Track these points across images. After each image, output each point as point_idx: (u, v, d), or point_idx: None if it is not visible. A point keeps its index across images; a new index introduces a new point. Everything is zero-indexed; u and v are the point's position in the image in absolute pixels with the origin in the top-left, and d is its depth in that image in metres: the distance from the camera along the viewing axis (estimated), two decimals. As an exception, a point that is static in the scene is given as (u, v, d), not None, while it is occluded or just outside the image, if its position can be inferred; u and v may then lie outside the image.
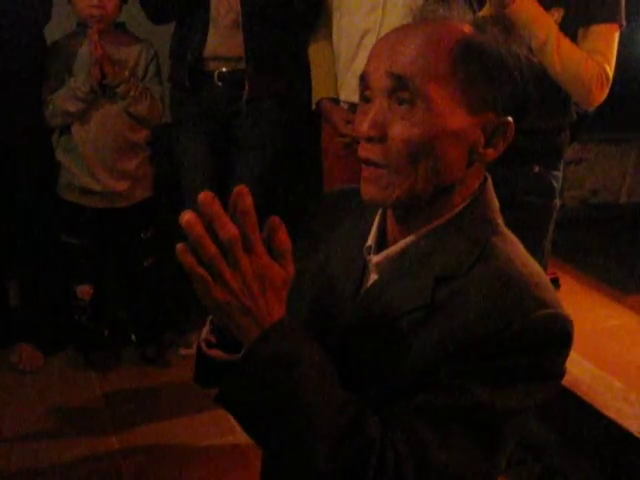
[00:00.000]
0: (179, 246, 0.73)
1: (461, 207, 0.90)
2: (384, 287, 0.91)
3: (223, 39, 2.11)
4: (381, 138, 0.85)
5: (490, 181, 0.95)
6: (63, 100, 2.14)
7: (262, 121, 2.17)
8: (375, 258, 0.93)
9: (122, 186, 2.29)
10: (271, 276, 0.76)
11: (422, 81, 0.83)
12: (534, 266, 0.87)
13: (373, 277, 0.95)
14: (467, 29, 0.88)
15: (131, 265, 2.45)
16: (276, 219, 0.78)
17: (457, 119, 0.85)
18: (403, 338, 0.86)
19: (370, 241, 0.96)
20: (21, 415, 2.22)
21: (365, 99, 0.88)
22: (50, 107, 2.16)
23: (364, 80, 0.88)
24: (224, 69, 2.13)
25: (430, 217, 0.90)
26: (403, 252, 0.91)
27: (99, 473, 2.01)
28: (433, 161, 0.85)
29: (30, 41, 2.13)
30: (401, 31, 0.87)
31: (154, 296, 2.51)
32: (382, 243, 0.96)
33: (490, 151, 0.89)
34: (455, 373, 0.80)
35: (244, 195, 0.74)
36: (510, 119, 0.88)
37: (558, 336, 0.81)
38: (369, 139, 0.86)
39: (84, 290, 2.40)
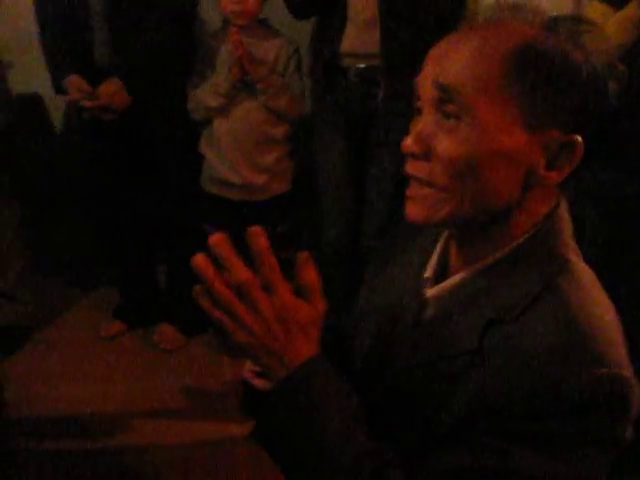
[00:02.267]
0: (196, 289, 0.71)
1: (523, 239, 0.79)
2: (437, 324, 0.83)
3: (360, 36, 2.06)
4: (426, 154, 0.78)
5: (564, 207, 0.82)
6: (205, 95, 2.21)
7: (397, 120, 2.10)
8: (430, 291, 0.86)
9: (260, 180, 2.32)
10: (295, 316, 0.73)
11: (470, 93, 0.74)
12: (605, 315, 0.75)
13: (429, 311, 0.87)
14: (531, 32, 0.76)
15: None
16: (304, 255, 0.75)
17: (511, 138, 0.75)
18: (447, 384, 0.78)
19: (429, 272, 0.88)
20: (153, 391, 2.34)
21: (417, 111, 0.81)
22: (193, 102, 2.25)
23: (415, 90, 0.81)
24: (361, 65, 2.09)
25: (490, 249, 0.81)
26: (458, 287, 0.82)
27: (217, 456, 2.08)
28: (480, 183, 0.76)
29: (178, 38, 2.21)
30: (456, 36, 0.78)
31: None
32: (444, 274, 0.87)
33: (553, 174, 0.77)
34: (495, 431, 0.71)
35: (258, 236, 0.71)
36: (579, 138, 0.76)
37: (614, 400, 0.69)
38: (413, 155, 0.78)
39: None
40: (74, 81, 2.14)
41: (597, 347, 0.70)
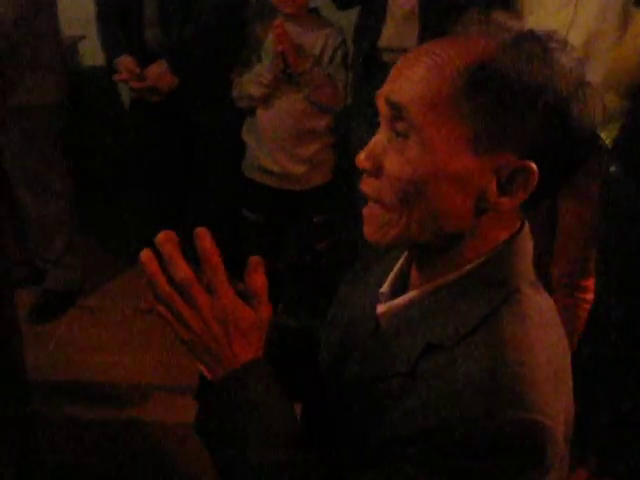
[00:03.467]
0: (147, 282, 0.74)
1: (474, 264, 0.77)
2: (383, 342, 0.83)
3: (398, 30, 2.04)
4: (376, 172, 0.76)
5: (525, 234, 0.80)
6: (248, 84, 2.23)
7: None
8: (380, 307, 0.85)
9: (299, 170, 2.34)
10: (235, 318, 0.74)
11: (418, 111, 0.72)
12: (539, 354, 0.72)
13: (381, 327, 0.86)
14: (489, 49, 0.73)
15: (302, 247, 2.52)
16: (255, 259, 0.76)
17: (458, 160, 0.72)
18: (380, 404, 0.78)
19: (384, 287, 0.87)
20: (187, 365, 2.35)
21: (378, 126, 0.80)
22: (237, 89, 2.27)
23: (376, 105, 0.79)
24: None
25: (443, 271, 0.79)
26: (407, 306, 0.81)
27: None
28: (427, 205, 0.74)
29: (228, 23, 2.24)
30: (415, 52, 0.76)
31: (322, 280, 2.55)
32: (403, 291, 0.85)
33: (505, 200, 0.74)
34: (410, 459, 0.70)
35: (203, 237, 0.73)
36: (532, 164, 0.72)
37: (528, 446, 0.67)
38: (364, 171, 0.77)
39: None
40: (125, 61, 2.21)
41: (519, 389, 0.68)
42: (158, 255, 0.74)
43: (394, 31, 2.06)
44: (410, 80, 0.74)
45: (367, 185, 0.78)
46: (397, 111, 0.74)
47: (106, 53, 2.28)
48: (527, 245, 0.80)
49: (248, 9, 2.28)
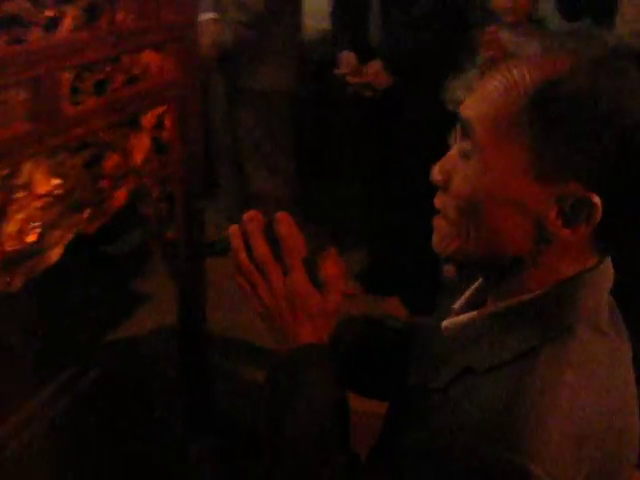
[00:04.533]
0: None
1: (534, 294, 0.74)
2: (439, 355, 0.82)
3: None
4: (445, 187, 0.76)
5: (601, 273, 0.74)
6: (458, 89, 2.19)
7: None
8: (445, 322, 0.84)
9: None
10: (303, 300, 0.79)
11: (482, 129, 0.71)
12: (565, 403, 0.66)
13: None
14: (563, 67, 0.69)
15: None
16: (333, 250, 0.82)
17: (517, 184, 0.70)
18: (418, 413, 0.79)
19: (457, 303, 0.86)
20: None
21: None
22: (449, 92, 2.25)
23: None
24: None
25: (504, 296, 0.77)
26: (465, 325, 0.81)
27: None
28: (484, 224, 0.73)
29: (449, 30, 2.22)
30: (497, 68, 0.74)
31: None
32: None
33: (566, 231, 0.70)
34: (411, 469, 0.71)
35: (281, 221, 0.79)
36: (596, 197, 0.67)
37: None
38: (436, 184, 0.77)
39: (449, 270, 2.50)
40: (346, 57, 2.31)
41: (521, 431, 0.64)
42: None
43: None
44: (480, 97, 0.73)
45: (437, 198, 0.78)
46: (465, 128, 0.73)
47: (333, 46, 2.40)
48: (600, 286, 0.75)
49: (471, 15, 2.25)
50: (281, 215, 0.80)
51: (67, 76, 1.09)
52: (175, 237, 1.58)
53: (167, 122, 1.44)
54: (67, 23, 1.07)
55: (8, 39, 0.98)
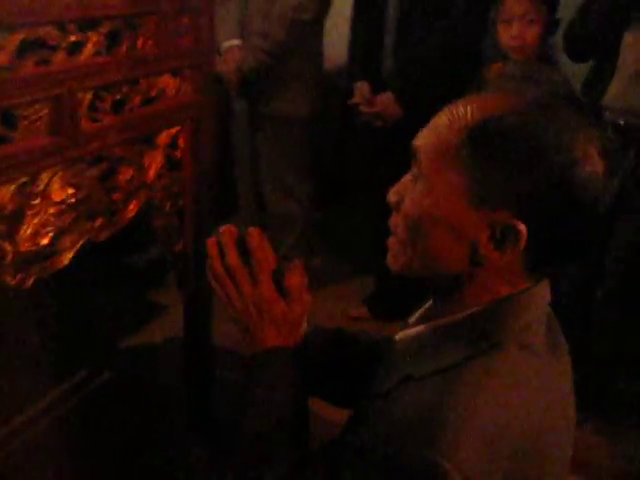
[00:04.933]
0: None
1: (470, 311, 0.81)
2: (388, 365, 0.89)
3: (623, 90, 1.94)
4: (397, 207, 0.84)
5: (532, 296, 0.80)
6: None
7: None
8: (398, 334, 0.92)
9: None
10: (269, 307, 0.88)
11: (426, 157, 0.79)
12: (485, 408, 0.72)
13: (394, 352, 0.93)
14: (508, 106, 0.76)
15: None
16: (297, 262, 0.92)
17: (453, 207, 0.77)
18: (360, 417, 0.86)
19: (412, 317, 0.94)
20: None
21: None
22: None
23: None
24: (620, 122, 1.95)
25: (446, 311, 0.84)
26: (412, 338, 0.88)
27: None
28: (426, 244, 0.81)
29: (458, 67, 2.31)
30: (452, 104, 0.82)
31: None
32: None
33: (495, 254, 0.77)
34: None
35: (252, 236, 0.90)
36: (521, 225, 0.74)
37: None
38: (390, 205, 0.86)
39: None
40: (360, 87, 2.41)
41: (438, 430, 0.70)
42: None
43: (619, 91, 1.97)
44: (429, 128, 0.81)
45: (391, 218, 0.86)
46: (415, 155, 0.81)
47: (348, 75, 2.50)
48: (532, 308, 0.81)
49: (484, 51, 2.33)
50: (252, 230, 0.90)
51: (86, 95, 1.19)
52: (184, 250, 1.68)
53: (181, 141, 1.54)
54: (89, 48, 1.18)
55: (35, 60, 1.09)
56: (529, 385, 0.76)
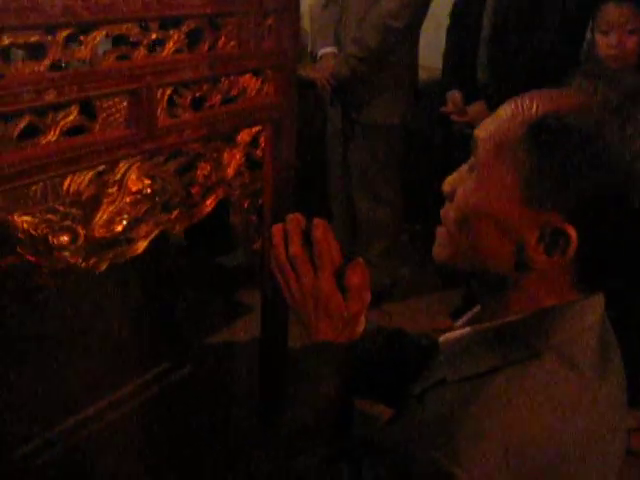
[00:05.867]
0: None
1: (513, 318, 0.78)
2: (433, 366, 0.87)
3: None
4: (451, 197, 0.82)
5: (581, 309, 0.76)
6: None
7: None
8: (442, 336, 0.89)
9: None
10: (326, 301, 0.87)
11: (484, 148, 0.77)
12: (506, 420, 0.69)
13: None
14: (572, 103, 0.72)
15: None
16: (358, 261, 0.89)
17: (504, 204, 0.74)
18: (393, 418, 0.86)
19: (460, 320, 0.91)
20: None
21: None
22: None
23: None
24: None
25: (490, 315, 0.82)
26: (455, 341, 0.85)
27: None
28: (472, 238, 0.78)
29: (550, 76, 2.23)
30: (517, 97, 0.79)
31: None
32: None
33: (541, 257, 0.73)
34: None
35: (317, 227, 0.87)
36: (572, 230, 0.70)
37: None
38: (444, 194, 0.84)
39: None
40: (453, 96, 2.38)
41: (456, 437, 0.68)
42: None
43: None
44: (492, 119, 0.79)
45: (443, 208, 0.84)
46: (474, 146, 0.79)
47: (442, 84, 2.47)
48: (579, 321, 0.76)
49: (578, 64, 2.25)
50: (318, 221, 0.88)
51: (165, 91, 1.24)
52: (262, 248, 1.71)
53: (262, 141, 1.58)
54: (170, 45, 1.23)
55: (117, 55, 1.15)
56: (565, 403, 0.72)
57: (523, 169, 0.72)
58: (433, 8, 2.65)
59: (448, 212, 0.82)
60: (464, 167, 0.82)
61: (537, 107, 0.73)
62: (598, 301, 0.78)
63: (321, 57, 2.61)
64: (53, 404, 2.10)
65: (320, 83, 2.60)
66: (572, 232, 0.70)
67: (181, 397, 2.22)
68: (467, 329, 0.84)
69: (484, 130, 0.77)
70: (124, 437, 2.04)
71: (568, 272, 0.75)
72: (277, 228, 0.90)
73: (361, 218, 2.91)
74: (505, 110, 0.77)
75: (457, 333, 0.85)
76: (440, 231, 0.84)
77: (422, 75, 3.10)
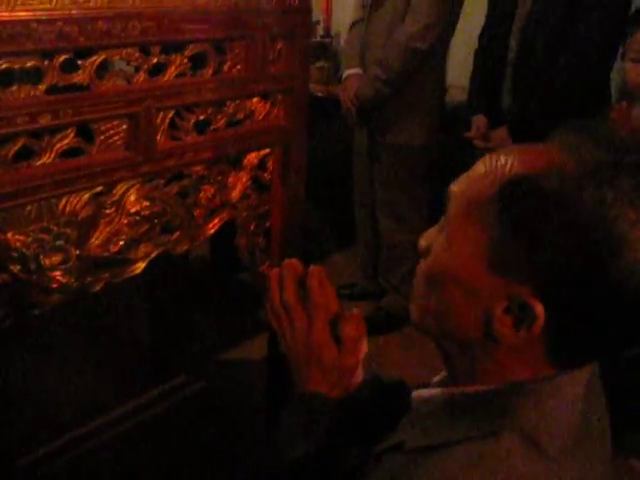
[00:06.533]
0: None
1: (477, 389, 0.73)
2: (400, 423, 0.83)
3: None
4: (425, 254, 0.78)
5: (555, 386, 0.69)
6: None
7: None
8: (414, 392, 0.85)
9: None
10: (319, 352, 0.84)
11: (454, 205, 0.71)
12: None
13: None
14: (551, 163, 0.64)
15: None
16: (357, 314, 0.86)
17: (471, 267, 0.68)
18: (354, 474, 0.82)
19: (437, 377, 0.86)
20: None
21: None
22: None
23: None
24: None
25: (457, 379, 0.77)
26: (424, 400, 0.81)
27: None
28: (440, 300, 0.73)
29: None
30: (494, 152, 0.74)
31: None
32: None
33: (508, 331, 0.67)
34: None
35: (312, 275, 0.85)
36: (539, 308, 0.64)
37: None
38: (420, 252, 0.80)
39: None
40: (477, 120, 2.35)
41: None
42: None
43: None
44: (466, 175, 0.73)
45: (419, 265, 0.80)
46: (448, 199, 0.74)
47: (467, 108, 2.45)
48: (550, 400, 0.69)
49: (606, 91, 2.20)
50: (314, 268, 0.85)
51: (166, 114, 1.26)
52: (269, 271, 1.70)
53: (270, 164, 1.58)
54: (172, 70, 1.25)
55: (115, 79, 1.16)
56: None
57: (491, 233, 0.67)
58: (468, 28, 2.63)
59: (419, 270, 0.78)
60: (440, 222, 0.77)
61: (511, 165, 0.67)
62: (579, 376, 0.71)
63: (346, 78, 2.61)
64: (65, 412, 2.13)
65: (344, 104, 2.60)
66: (539, 308, 0.65)
67: (192, 411, 2.23)
68: (437, 390, 0.79)
69: (458, 185, 0.73)
70: (135, 448, 2.05)
71: (539, 346, 0.69)
72: (274, 272, 0.88)
73: (384, 240, 2.89)
74: (479, 166, 0.72)
75: (426, 392, 0.81)
76: (413, 289, 0.80)
77: (454, 95, 3.09)
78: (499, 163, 0.69)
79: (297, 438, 0.83)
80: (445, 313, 0.73)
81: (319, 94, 3.29)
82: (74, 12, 1.03)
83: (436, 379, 0.86)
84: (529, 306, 0.65)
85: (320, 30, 3.84)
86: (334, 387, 0.85)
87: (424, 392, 0.81)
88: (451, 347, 0.76)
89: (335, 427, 0.85)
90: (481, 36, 2.44)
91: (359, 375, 0.91)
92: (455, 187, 0.73)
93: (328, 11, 3.84)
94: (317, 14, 3.62)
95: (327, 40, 3.82)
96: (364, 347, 0.87)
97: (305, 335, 0.83)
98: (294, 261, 0.88)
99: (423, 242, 0.78)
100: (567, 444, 0.68)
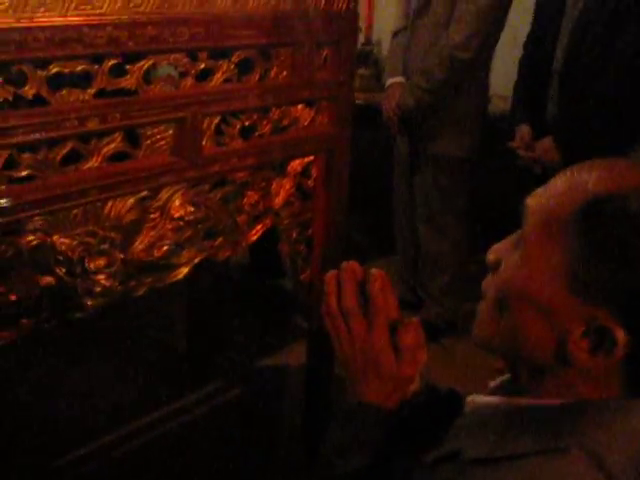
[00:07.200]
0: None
1: (547, 402, 0.71)
2: (455, 427, 0.81)
3: None
4: (494, 269, 0.76)
5: (623, 407, 0.67)
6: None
7: None
8: (469, 397, 0.84)
9: None
10: (376, 360, 0.81)
11: (533, 223, 0.69)
12: None
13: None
14: (631, 183, 0.64)
15: None
16: (415, 320, 0.83)
17: (549, 288, 0.66)
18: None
19: (494, 382, 0.84)
20: None
21: None
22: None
23: None
24: None
25: (523, 390, 0.75)
26: (481, 407, 0.79)
27: None
28: (511, 319, 0.71)
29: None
30: (574, 166, 0.72)
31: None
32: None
33: (584, 355, 0.65)
34: None
35: (374, 280, 0.82)
36: (620, 333, 0.62)
37: None
38: (488, 265, 0.78)
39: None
40: (521, 130, 2.31)
41: None
42: None
43: None
44: (546, 191, 0.71)
45: (485, 280, 0.78)
46: (524, 214, 0.72)
47: (510, 118, 2.41)
48: (619, 421, 0.67)
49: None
50: (376, 272, 0.82)
51: (213, 120, 1.25)
52: (311, 279, 1.69)
53: (314, 171, 1.57)
54: (218, 75, 1.24)
55: (163, 84, 1.17)
56: None
57: (571, 253, 0.65)
58: (512, 37, 2.60)
59: (490, 286, 0.75)
60: (513, 237, 0.75)
61: (596, 183, 0.66)
62: None
63: (388, 86, 2.59)
64: (102, 415, 2.15)
65: (386, 113, 2.58)
66: (620, 334, 0.63)
67: (229, 417, 2.23)
68: (496, 398, 0.77)
69: (536, 200, 0.70)
70: (170, 452, 2.06)
71: (616, 373, 0.67)
72: (331, 276, 0.85)
73: (423, 250, 2.86)
74: (560, 181, 0.69)
75: (483, 399, 0.79)
76: (481, 307, 0.77)
77: (499, 105, 3.06)
78: (581, 179, 0.67)
79: (350, 450, 0.81)
80: (515, 333, 0.71)
81: (360, 102, 3.28)
82: (124, 17, 1.04)
83: (492, 384, 0.83)
84: (609, 330, 0.63)
85: (361, 37, 3.83)
86: (389, 397, 0.83)
87: (481, 398, 0.79)
88: (518, 364, 0.74)
89: (390, 438, 0.83)
90: (526, 44, 2.41)
91: (416, 382, 0.88)
92: (533, 201, 0.71)
93: (370, 18, 3.83)
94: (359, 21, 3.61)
95: (368, 47, 3.81)
96: (423, 356, 0.85)
97: (364, 342, 0.81)
98: (354, 264, 0.85)
99: (492, 256, 0.76)
100: (632, 471, 0.66)
